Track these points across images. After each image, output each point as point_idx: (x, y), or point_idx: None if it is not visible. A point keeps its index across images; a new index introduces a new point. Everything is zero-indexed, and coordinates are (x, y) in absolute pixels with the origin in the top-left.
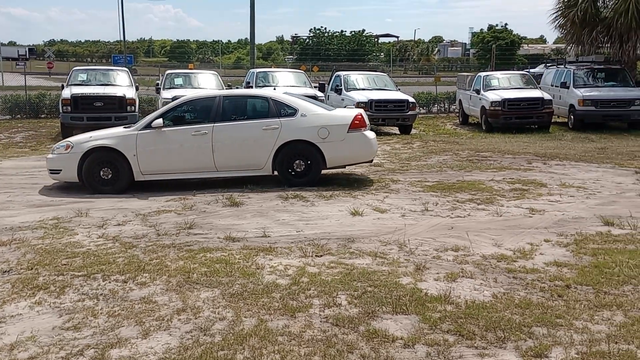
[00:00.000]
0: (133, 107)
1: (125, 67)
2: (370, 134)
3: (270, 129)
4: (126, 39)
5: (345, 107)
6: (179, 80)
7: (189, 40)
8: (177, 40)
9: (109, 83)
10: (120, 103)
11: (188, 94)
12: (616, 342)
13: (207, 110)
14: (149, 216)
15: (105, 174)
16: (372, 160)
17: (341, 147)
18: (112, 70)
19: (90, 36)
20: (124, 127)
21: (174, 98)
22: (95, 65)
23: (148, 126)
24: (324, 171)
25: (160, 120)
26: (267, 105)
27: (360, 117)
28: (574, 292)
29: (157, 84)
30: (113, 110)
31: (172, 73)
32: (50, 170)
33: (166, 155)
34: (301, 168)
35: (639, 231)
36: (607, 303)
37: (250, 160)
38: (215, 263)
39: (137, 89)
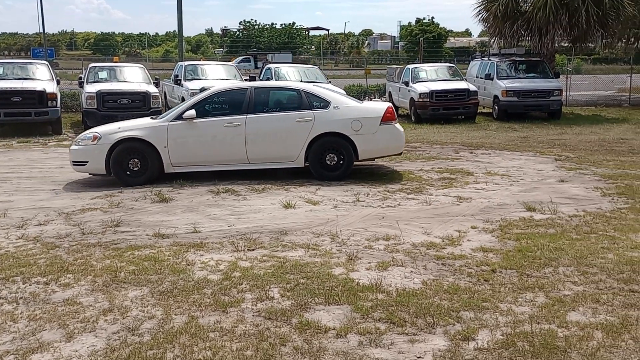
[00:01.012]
0: (54, 102)
1: (46, 60)
2: (400, 127)
3: (304, 121)
4: (46, 31)
5: None
6: (103, 74)
7: (114, 32)
8: (102, 32)
9: (28, 77)
10: (40, 98)
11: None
12: (538, 323)
13: (238, 101)
14: (72, 215)
15: (133, 165)
16: (401, 153)
17: (373, 140)
18: (30, 63)
19: (7, 28)
20: (151, 118)
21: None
22: (13, 59)
23: (179, 117)
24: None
25: (193, 112)
26: (299, 97)
27: (391, 109)
28: (499, 276)
29: (80, 78)
30: (33, 106)
31: (95, 66)
32: (74, 162)
33: (198, 147)
34: (333, 161)
35: (559, 216)
36: (530, 285)
37: (283, 153)
38: (144, 261)
39: (58, 83)
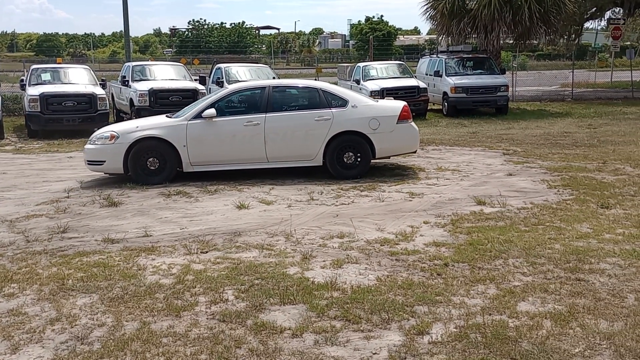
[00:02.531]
0: None
1: None
2: (415, 126)
3: (323, 120)
4: None
5: None
6: (46, 76)
7: (57, 33)
8: (44, 33)
9: None
10: None
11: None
12: (490, 314)
13: (257, 100)
14: (17, 222)
15: (151, 164)
16: (416, 151)
17: (390, 138)
18: None
19: None
20: (167, 117)
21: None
22: None
23: (198, 116)
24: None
25: (212, 110)
26: (317, 95)
27: (407, 108)
28: (452, 269)
29: (22, 80)
30: None
31: (38, 68)
32: (89, 161)
33: (217, 146)
34: (351, 160)
35: (507, 208)
36: (481, 278)
37: (302, 151)
38: (93, 267)
39: None
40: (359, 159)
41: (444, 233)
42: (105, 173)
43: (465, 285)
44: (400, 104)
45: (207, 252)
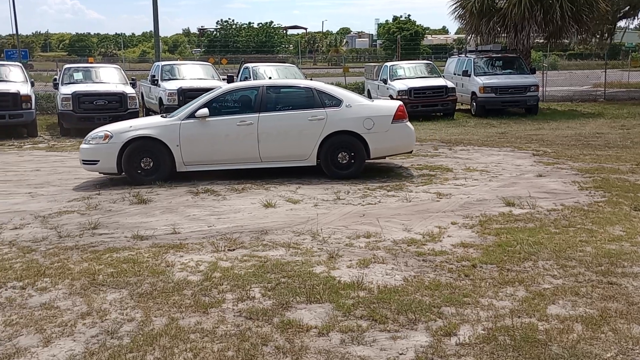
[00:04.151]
0: (29, 104)
1: (20, 62)
2: (411, 126)
3: (316, 120)
4: (19, 32)
5: None
6: (78, 75)
7: (89, 33)
8: (77, 33)
9: (1, 79)
10: (14, 100)
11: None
12: (519, 317)
13: (250, 100)
14: (49, 218)
15: (145, 164)
16: (412, 151)
17: (385, 138)
18: (3, 65)
19: None
20: (161, 116)
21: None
22: None
23: (191, 116)
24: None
25: (205, 110)
26: (312, 95)
27: (402, 108)
28: (480, 271)
29: (55, 79)
30: (7, 108)
31: (70, 68)
32: (85, 161)
33: (210, 146)
34: (345, 159)
35: (537, 210)
36: (510, 280)
37: (295, 151)
38: (123, 263)
39: (32, 84)
40: (353, 159)
41: (472, 234)
42: (100, 173)
43: (493, 287)
44: (396, 104)
45: (234, 249)
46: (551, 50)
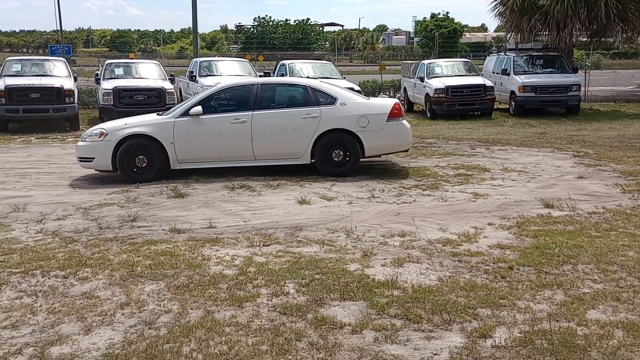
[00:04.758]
0: (72, 99)
1: (63, 57)
2: (407, 124)
3: (310, 118)
4: (63, 28)
5: None
6: (119, 71)
7: (129, 29)
8: (118, 29)
9: (46, 74)
10: (58, 94)
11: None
12: (557, 321)
13: (245, 98)
14: (90, 210)
15: (139, 162)
16: (408, 150)
17: (380, 136)
18: (48, 60)
19: (25, 26)
20: (157, 114)
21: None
22: (31, 56)
23: (185, 114)
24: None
25: (199, 108)
26: (306, 93)
27: (398, 105)
28: (517, 273)
29: (97, 75)
30: (50, 102)
31: (112, 63)
32: (80, 158)
33: (204, 144)
34: (339, 157)
35: (577, 212)
36: (548, 283)
37: (289, 149)
38: (160, 255)
39: (75, 79)
40: (348, 157)
41: (509, 235)
42: (96, 170)
43: (530, 290)
44: (392, 102)
45: (269, 245)
46: (594, 49)
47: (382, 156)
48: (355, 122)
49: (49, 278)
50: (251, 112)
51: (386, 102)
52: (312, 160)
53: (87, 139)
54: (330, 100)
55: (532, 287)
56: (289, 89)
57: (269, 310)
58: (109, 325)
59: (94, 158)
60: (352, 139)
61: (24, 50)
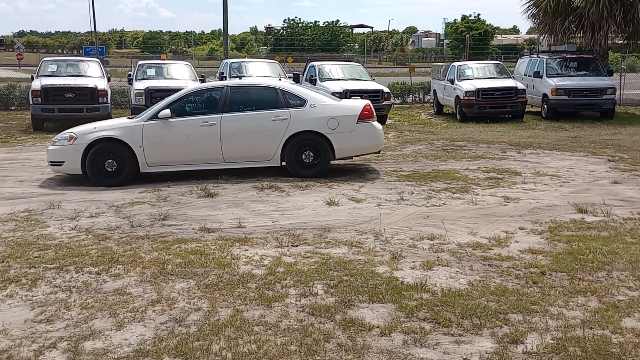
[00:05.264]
0: (105, 99)
1: (97, 58)
2: (378, 125)
3: (280, 120)
4: (97, 30)
5: None
6: (151, 71)
7: (161, 31)
8: (149, 31)
9: (80, 74)
10: (92, 94)
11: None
12: (591, 328)
13: (214, 100)
14: (122, 208)
15: (109, 166)
16: (379, 151)
17: (350, 138)
18: (82, 61)
19: (60, 27)
20: (128, 118)
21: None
22: (66, 57)
23: (154, 117)
24: None
25: (167, 111)
26: (276, 95)
27: (368, 107)
28: (549, 278)
29: (129, 75)
30: (85, 102)
31: (144, 64)
32: (51, 162)
33: (173, 147)
34: (310, 159)
35: (612, 218)
36: (582, 289)
37: (258, 152)
38: (190, 254)
39: (109, 80)
40: (318, 159)
41: (541, 240)
42: (66, 174)
43: (563, 296)
44: (362, 103)
45: (297, 245)
46: (631, 51)
47: (353, 158)
48: (324, 124)
49: (82, 274)
50: (220, 115)
51: (356, 104)
52: (283, 163)
53: (57, 143)
54: (300, 102)
55: (565, 293)
56: (258, 91)
57: (297, 311)
58: (140, 321)
59: (63, 162)
60: (322, 140)
61: (59, 51)
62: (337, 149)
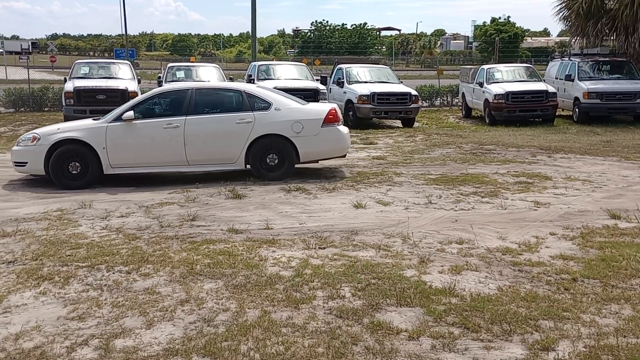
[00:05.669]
0: None
1: (128, 60)
2: (344, 129)
3: (244, 123)
4: (128, 32)
5: (347, 99)
6: (180, 74)
7: (190, 34)
8: (179, 34)
9: (111, 76)
10: (122, 96)
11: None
12: (625, 336)
13: (179, 103)
14: (152, 208)
15: (73, 168)
16: (345, 155)
17: (315, 142)
18: (114, 63)
19: (92, 30)
20: (93, 119)
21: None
22: (98, 59)
23: (118, 118)
24: (326, 162)
25: (131, 113)
26: (241, 98)
27: (334, 111)
28: (581, 285)
29: (159, 77)
30: (116, 103)
31: (173, 66)
32: (15, 162)
33: (137, 149)
34: (274, 162)
35: None
36: (615, 297)
37: (222, 155)
38: (219, 255)
39: (139, 82)
40: (283, 162)
41: (573, 246)
42: (30, 175)
43: (596, 303)
44: (327, 107)
45: (324, 248)
46: None
47: (319, 161)
48: (289, 128)
49: (113, 273)
50: (184, 117)
51: (321, 108)
52: (247, 166)
53: (21, 144)
54: (265, 105)
55: (598, 300)
56: (223, 93)
57: (325, 313)
58: (169, 320)
59: (27, 162)
60: (287, 144)
61: (91, 53)
62: (301, 152)
